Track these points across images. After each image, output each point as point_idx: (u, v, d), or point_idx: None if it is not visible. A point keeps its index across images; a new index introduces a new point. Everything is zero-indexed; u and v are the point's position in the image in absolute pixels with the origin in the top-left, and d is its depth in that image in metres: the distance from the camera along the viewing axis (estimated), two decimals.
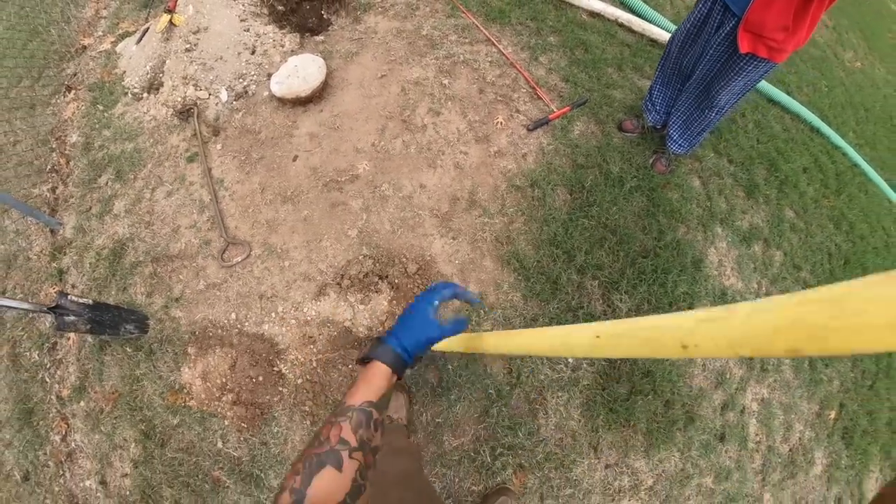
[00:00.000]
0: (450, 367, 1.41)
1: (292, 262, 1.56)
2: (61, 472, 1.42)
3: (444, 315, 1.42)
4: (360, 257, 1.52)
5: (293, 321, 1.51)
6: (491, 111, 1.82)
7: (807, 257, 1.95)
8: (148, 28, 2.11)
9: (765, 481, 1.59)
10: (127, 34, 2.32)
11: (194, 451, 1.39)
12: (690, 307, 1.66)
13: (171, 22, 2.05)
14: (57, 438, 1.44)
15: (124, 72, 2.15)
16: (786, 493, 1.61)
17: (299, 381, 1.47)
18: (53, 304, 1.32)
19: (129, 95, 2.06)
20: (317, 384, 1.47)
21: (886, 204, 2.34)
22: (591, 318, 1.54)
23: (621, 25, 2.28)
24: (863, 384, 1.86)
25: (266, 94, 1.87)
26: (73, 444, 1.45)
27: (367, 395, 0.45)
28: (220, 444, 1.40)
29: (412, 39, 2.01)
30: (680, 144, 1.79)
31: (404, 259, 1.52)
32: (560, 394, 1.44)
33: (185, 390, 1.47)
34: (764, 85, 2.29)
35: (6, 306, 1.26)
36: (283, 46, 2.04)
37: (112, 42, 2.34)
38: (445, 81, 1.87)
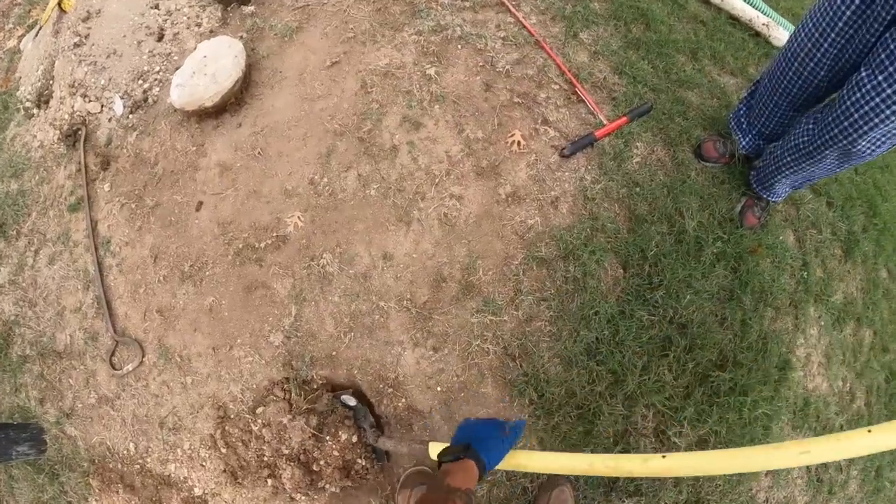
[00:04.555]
0: None
1: (196, 377, 0.84)
2: None
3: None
4: (279, 384, 0.76)
5: (205, 463, 0.81)
6: (503, 122, 0.91)
7: (895, 333, 1.20)
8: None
9: None
10: (36, 24, 1.38)
11: None
12: (766, 431, 0.93)
13: (59, 7, 1.16)
14: None
15: (20, 77, 1.30)
16: None
17: None
18: None
19: (22, 111, 1.24)
20: None
21: None
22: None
23: None
24: None
25: (170, 100, 0.99)
26: None
27: (468, 483, 0.43)
28: None
29: (383, 3, 1.04)
30: (782, 193, 0.91)
31: (360, 381, 0.76)
32: None
33: None
34: None
35: None
36: (199, 26, 1.11)
37: (20, 36, 1.46)
38: (431, 71, 0.94)
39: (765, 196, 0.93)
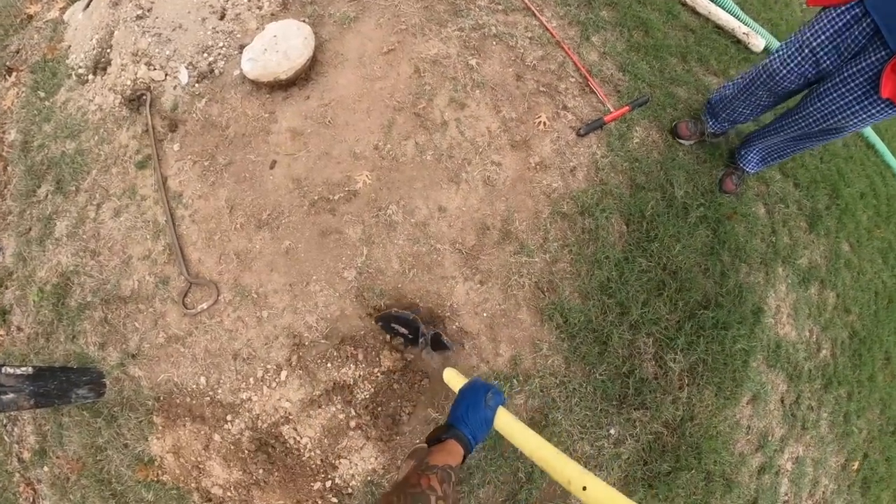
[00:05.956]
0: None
1: (272, 311, 0.99)
2: None
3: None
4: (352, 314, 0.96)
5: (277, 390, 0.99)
6: (531, 106, 1.16)
7: (856, 298, 1.47)
8: None
9: None
10: None
11: None
12: (745, 364, 1.21)
13: None
14: None
15: (69, 46, 1.38)
16: None
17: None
18: None
19: (74, 77, 1.33)
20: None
21: None
22: (642, 384, 1.07)
23: (684, 4, 1.55)
24: (887, 430, 1.52)
25: (237, 73, 1.16)
26: None
27: (448, 460, 0.47)
28: None
29: (429, 2, 1.27)
30: (755, 164, 1.21)
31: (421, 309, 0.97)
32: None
33: (157, 463, 1.01)
34: None
35: None
36: (260, 9, 1.27)
37: (61, 8, 1.53)
38: (473, 61, 1.18)
39: (741, 165, 1.20)
